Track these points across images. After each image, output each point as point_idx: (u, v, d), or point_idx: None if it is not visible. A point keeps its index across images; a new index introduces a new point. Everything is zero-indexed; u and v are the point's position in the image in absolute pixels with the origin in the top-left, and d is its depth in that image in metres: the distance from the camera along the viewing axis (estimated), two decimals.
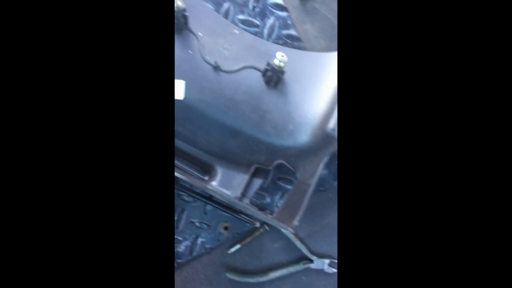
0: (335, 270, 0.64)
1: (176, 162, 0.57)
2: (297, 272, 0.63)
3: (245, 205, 0.45)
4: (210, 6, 0.59)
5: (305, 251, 0.63)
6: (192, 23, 0.56)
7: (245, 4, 0.61)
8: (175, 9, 0.52)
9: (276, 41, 0.61)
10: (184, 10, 0.53)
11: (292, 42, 0.61)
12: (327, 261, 0.63)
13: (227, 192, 0.55)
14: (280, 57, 0.51)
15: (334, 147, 0.51)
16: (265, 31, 0.61)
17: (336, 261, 0.64)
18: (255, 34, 0.60)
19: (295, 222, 0.47)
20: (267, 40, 0.61)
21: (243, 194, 0.56)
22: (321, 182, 0.63)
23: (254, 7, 0.61)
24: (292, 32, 0.61)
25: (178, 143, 0.56)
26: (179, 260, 0.62)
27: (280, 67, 0.53)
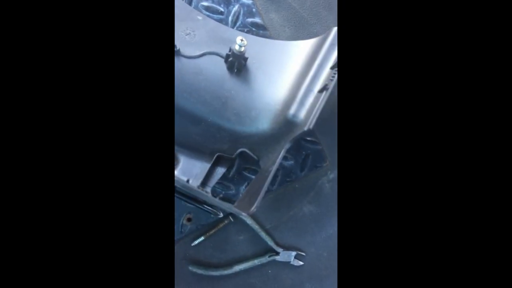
0: (301, 263, 0.62)
1: None
2: (262, 265, 0.62)
3: (197, 189, 0.44)
4: (184, 3, 0.58)
5: (270, 243, 0.62)
6: None
7: None
8: None
9: (241, 29, 0.60)
10: None
11: (257, 30, 0.61)
12: (293, 253, 0.62)
13: (189, 181, 0.53)
14: (239, 42, 0.50)
15: (295, 133, 0.51)
16: (230, 19, 0.60)
17: (303, 253, 0.62)
18: (220, 21, 0.59)
19: (253, 208, 0.46)
20: (232, 27, 0.60)
21: (204, 183, 0.54)
22: (287, 172, 0.62)
23: None
24: (257, 20, 0.61)
25: None
26: None
27: (240, 52, 0.52)
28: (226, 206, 0.48)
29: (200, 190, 0.45)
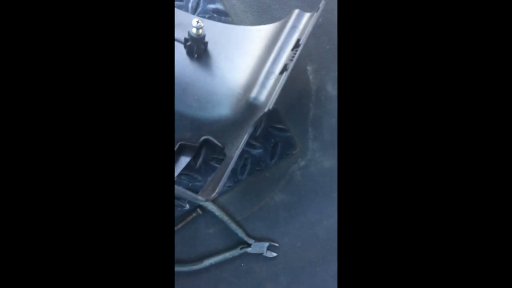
0: (275, 254, 0.60)
1: None
2: (234, 258, 0.60)
3: None
4: None
5: (241, 234, 0.59)
6: None
7: None
8: None
9: (202, 15, 0.59)
10: None
11: (219, 16, 0.59)
12: (266, 244, 0.60)
13: None
14: (195, 24, 0.49)
15: (257, 116, 0.49)
16: (190, 5, 0.59)
17: (277, 244, 0.60)
18: (179, 8, 0.58)
19: (214, 194, 0.44)
20: (192, 14, 0.58)
21: None
22: (257, 161, 0.61)
23: None
24: (218, 6, 0.59)
25: None
26: None
27: (199, 35, 0.50)
28: (188, 194, 0.46)
29: None
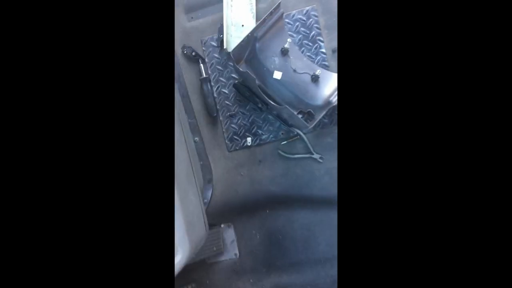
0: (321, 161, 1.55)
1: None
2: (306, 158, 1.55)
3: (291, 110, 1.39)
4: (301, 53, 1.54)
5: (311, 149, 1.55)
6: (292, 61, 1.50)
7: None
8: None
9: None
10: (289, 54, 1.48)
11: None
12: (319, 155, 1.54)
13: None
14: (317, 72, 1.44)
15: (330, 106, 1.43)
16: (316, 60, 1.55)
17: (324, 157, 1.55)
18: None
19: (311, 127, 1.39)
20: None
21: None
22: (324, 125, 1.55)
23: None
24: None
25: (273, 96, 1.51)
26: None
27: (317, 74, 1.46)
28: (300, 120, 1.41)
29: (292, 111, 1.39)
